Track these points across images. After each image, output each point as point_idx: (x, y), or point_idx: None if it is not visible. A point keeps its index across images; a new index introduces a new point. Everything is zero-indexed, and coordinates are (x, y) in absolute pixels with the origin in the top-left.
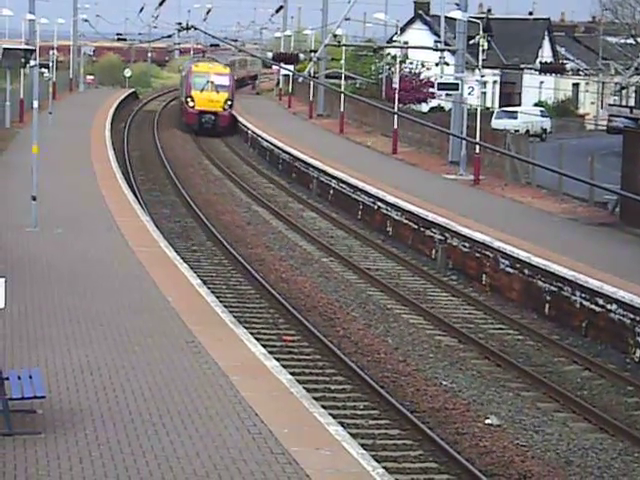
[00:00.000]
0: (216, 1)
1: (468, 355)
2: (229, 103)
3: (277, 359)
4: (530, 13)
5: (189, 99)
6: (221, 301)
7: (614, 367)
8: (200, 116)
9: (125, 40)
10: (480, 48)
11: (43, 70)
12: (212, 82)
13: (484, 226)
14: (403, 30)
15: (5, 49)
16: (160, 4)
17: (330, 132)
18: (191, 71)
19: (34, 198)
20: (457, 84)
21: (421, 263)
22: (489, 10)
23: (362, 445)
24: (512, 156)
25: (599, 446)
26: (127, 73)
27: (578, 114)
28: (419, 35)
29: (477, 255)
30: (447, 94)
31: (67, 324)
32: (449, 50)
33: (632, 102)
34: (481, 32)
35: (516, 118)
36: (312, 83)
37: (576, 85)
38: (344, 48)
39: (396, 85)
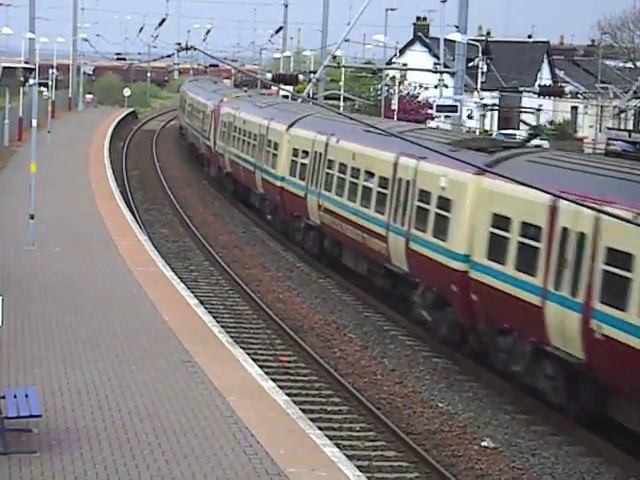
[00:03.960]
0: (216, 22)
1: (464, 377)
2: None
3: (274, 380)
4: (529, 36)
5: None
6: (218, 321)
7: None
8: None
9: (124, 60)
10: (479, 70)
11: (42, 89)
12: None
13: None
14: (402, 52)
15: (5, 68)
16: (160, 24)
17: None
18: None
19: (32, 217)
20: (456, 106)
21: None
22: (488, 33)
23: (358, 467)
24: (510, 178)
25: (595, 470)
26: (126, 92)
27: (576, 137)
28: (418, 57)
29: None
30: (446, 116)
31: (64, 343)
32: (448, 72)
33: (631, 126)
34: (480, 54)
35: None
36: (311, 104)
37: (575, 108)
38: (343, 69)
39: (395, 106)
